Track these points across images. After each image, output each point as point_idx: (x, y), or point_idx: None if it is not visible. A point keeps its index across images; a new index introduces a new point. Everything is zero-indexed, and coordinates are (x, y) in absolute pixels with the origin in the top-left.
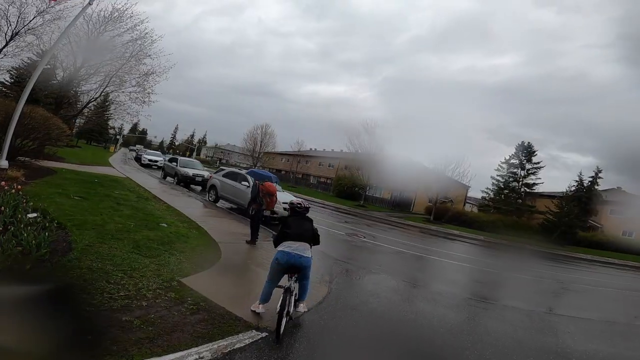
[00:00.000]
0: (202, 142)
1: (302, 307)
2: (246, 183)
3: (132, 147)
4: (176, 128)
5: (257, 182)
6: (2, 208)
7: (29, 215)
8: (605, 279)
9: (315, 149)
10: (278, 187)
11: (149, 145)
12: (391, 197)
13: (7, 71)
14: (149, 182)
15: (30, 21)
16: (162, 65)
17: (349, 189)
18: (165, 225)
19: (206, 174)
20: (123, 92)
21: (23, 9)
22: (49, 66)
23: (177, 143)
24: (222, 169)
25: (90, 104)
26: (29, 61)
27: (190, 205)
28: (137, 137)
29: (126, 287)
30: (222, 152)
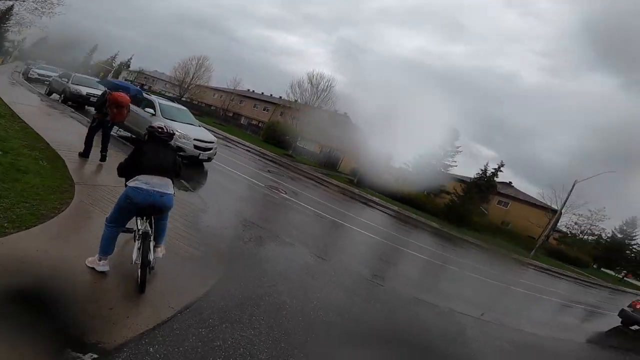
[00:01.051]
0: (125, 65)
1: (160, 252)
2: (151, 110)
3: (30, 61)
4: (94, 48)
5: (107, 90)
6: None
7: None
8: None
9: (254, 90)
10: (193, 121)
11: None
12: (321, 152)
13: None
14: (23, 98)
15: None
16: None
17: (280, 136)
18: None
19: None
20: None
21: None
22: None
23: (91, 62)
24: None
25: None
26: None
27: (64, 129)
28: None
29: None
30: (145, 78)
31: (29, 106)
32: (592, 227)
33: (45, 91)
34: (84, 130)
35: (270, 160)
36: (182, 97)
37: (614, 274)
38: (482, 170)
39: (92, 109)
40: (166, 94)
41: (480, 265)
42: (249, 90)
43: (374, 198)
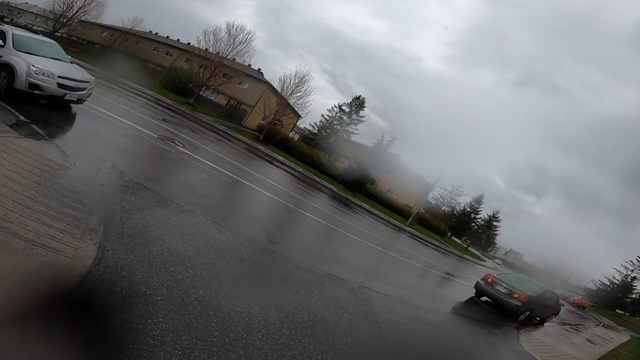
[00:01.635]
0: None
1: None
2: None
3: None
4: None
5: None
6: None
7: None
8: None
9: (157, 33)
10: (62, 57)
11: None
12: (227, 104)
13: None
14: None
15: None
16: None
17: (182, 83)
18: None
19: None
20: None
21: None
22: None
23: None
24: None
25: None
26: None
27: None
28: None
29: None
30: (9, 10)
31: None
32: (452, 201)
33: None
34: None
35: (167, 108)
36: (56, 32)
37: (460, 242)
38: (378, 140)
39: None
40: (34, 28)
41: (366, 229)
42: (151, 31)
43: (279, 157)
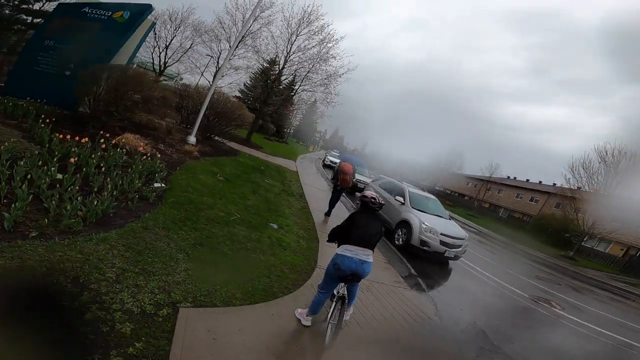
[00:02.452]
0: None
1: (349, 313)
2: (400, 199)
3: (330, 150)
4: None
5: (340, 161)
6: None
7: (155, 185)
8: None
9: (515, 177)
10: (442, 213)
11: (343, 152)
12: (624, 255)
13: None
14: (315, 181)
15: (250, 26)
16: (345, 67)
17: (555, 233)
18: (274, 227)
19: (368, 180)
20: (313, 92)
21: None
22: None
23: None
24: (382, 177)
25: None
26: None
27: (333, 213)
28: (335, 143)
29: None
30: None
31: (315, 189)
32: None
33: (331, 176)
34: (344, 214)
35: (541, 263)
36: (436, 186)
37: None
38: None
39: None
40: (420, 183)
41: None
42: (508, 177)
43: None
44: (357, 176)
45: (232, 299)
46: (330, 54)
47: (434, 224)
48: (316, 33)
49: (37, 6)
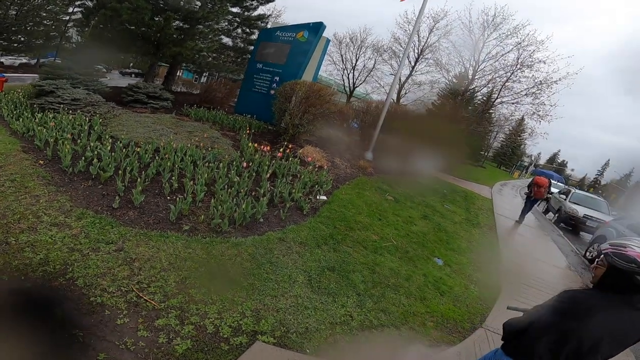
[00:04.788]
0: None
1: None
2: None
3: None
4: (606, 164)
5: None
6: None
7: (319, 197)
8: None
9: None
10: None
11: (565, 180)
12: None
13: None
14: (514, 212)
15: (427, 39)
16: (563, 70)
17: None
18: (439, 263)
19: (606, 218)
20: (516, 104)
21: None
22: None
23: (601, 182)
24: (633, 216)
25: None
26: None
27: (536, 255)
28: (555, 169)
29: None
30: None
31: (513, 221)
32: None
33: (544, 208)
34: (558, 264)
35: None
36: None
37: None
38: None
39: (587, 235)
40: None
41: None
42: None
43: None
44: (586, 210)
45: (328, 346)
46: (535, 58)
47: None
48: (508, 36)
49: (254, 36)
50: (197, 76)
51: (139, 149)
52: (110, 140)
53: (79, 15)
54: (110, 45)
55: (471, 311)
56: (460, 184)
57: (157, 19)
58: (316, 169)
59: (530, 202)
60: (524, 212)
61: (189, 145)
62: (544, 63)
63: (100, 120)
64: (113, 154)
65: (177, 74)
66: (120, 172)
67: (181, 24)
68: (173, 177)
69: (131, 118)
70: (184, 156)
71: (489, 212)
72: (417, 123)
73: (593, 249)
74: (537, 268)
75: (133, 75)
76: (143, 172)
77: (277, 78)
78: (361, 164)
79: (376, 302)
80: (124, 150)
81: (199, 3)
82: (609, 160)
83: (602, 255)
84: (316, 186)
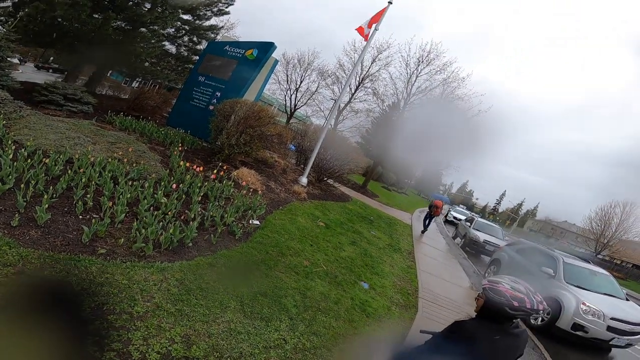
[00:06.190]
0: (530, 214)
1: None
2: (549, 271)
3: (454, 206)
4: (503, 194)
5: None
6: (239, 207)
7: (252, 222)
8: None
9: None
10: (616, 292)
11: (471, 207)
12: None
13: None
14: (430, 238)
15: (369, 69)
16: (475, 109)
17: None
18: (364, 287)
19: (501, 243)
20: None
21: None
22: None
23: (499, 210)
24: (521, 242)
25: None
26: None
27: (445, 277)
28: (463, 197)
29: None
30: (552, 228)
31: (429, 247)
32: None
33: (453, 234)
34: (463, 283)
35: None
36: (598, 254)
37: None
38: None
39: (487, 258)
40: (575, 249)
41: None
42: None
43: None
44: (486, 236)
45: None
46: (456, 95)
47: (601, 307)
48: (438, 72)
49: (200, 46)
50: (128, 79)
51: (47, 160)
52: (14, 147)
53: (8, 3)
54: (35, 39)
55: (393, 331)
56: (386, 210)
57: (95, 16)
58: (250, 193)
59: (430, 217)
60: (426, 225)
61: (109, 159)
62: (462, 100)
63: (4, 121)
64: (15, 163)
65: (106, 74)
66: (22, 185)
67: (122, 25)
68: (88, 195)
69: (41, 121)
70: (103, 171)
71: (409, 237)
72: (343, 150)
73: (490, 270)
74: (447, 289)
75: (51, 71)
76: (51, 187)
77: (219, 93)
78: (295, 189)
79: (308, 325)
80: (28, 160)
81: (148, 5)
82: (505, 191)
83: (482, 289)
84: (249, 211)
